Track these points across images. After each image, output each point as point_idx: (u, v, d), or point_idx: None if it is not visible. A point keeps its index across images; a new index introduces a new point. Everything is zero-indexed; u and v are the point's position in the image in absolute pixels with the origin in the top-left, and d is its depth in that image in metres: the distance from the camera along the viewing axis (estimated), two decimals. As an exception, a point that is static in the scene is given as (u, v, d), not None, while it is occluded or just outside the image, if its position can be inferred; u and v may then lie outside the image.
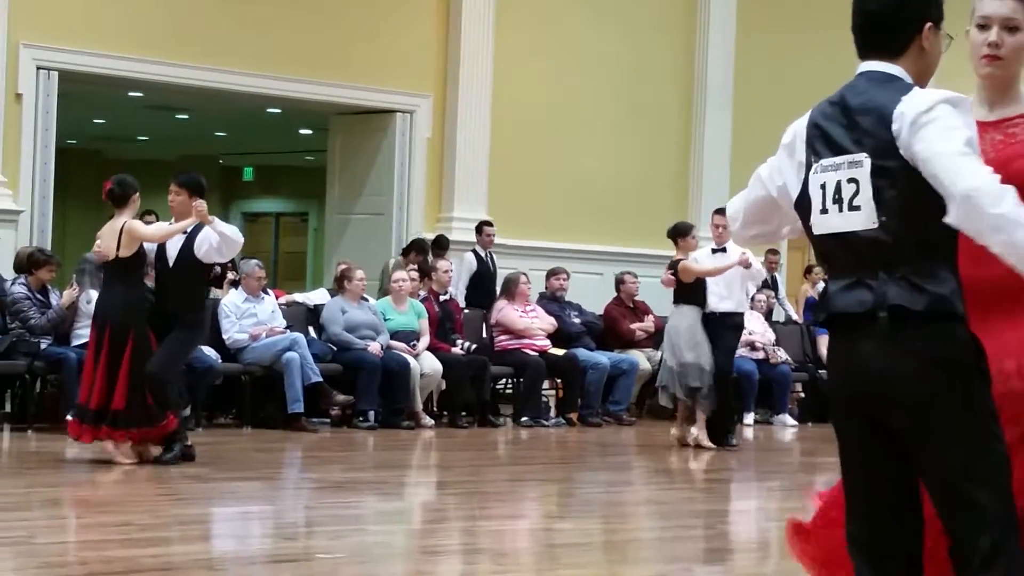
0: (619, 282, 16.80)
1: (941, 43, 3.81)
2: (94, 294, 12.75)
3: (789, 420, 16.80)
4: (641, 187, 18.77)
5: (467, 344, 15.20)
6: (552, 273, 16.44)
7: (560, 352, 15.48)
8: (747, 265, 13.08)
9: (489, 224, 16.72)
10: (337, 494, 9.68)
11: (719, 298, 13.29)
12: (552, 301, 16.16)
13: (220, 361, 13.52)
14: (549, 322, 15.64)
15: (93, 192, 26.47)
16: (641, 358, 16.24)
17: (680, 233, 13.58)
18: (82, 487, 9.83)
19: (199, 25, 15.61)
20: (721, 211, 12.75)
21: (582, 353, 15.62)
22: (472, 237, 16.99)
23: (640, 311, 16.80)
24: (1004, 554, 3.56)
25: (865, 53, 3.82)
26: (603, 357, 15.68)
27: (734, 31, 19.43)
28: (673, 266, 13.31)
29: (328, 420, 14.04)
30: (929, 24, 3.78)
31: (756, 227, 4.14)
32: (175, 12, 15.50)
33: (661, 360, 13.87)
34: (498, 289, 16.03)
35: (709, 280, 13.26)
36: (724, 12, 19.35)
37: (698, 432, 13.12)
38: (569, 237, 18.05)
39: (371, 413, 13.96)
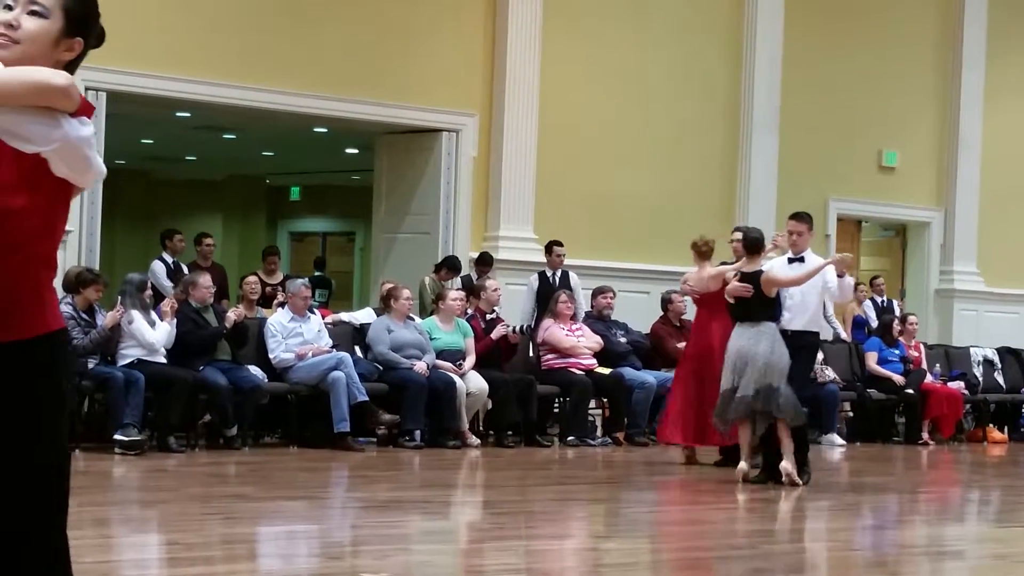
0: (666, 301, 16.73)
1: None
2: (137, 315, 12.82)
3: (837, 439, 16.70)
4: (688, 206, 18.72)
5: (515, 327, 15.26)
6: (599, 292, 16.37)
7: (606, 371, 15.43)
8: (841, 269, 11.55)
9: (559, 244, 16.58)
10: (383, 513, 9.67)
11: (792, 315, 11.99)
12: (598, 320, 16.11)
13: (266, 380, 13.54)
14: (595, 341, 15.58)
15: (141, 211, 26.87)
16: (688, 377, 16.18)
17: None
18: (129, 506, 9.86)
19: (246, 45, 15.68)
20: (797, 216, 12.17)
21: (628, 372, 15.56)
22: (519, 256, 17.00)
23: (687, 330, 16.73)
24: None
25: None
26: (650, 376, 15.62)
27: (781, 51, 19.39)
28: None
29: (374, 439, 14.04)
30: None
31: None
32: (222, 33, 15.58)
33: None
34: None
35: (784, 294, 11.95)
36: (771, 32, 19.31)
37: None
38: (616, 256, 18.01)
39: (417, 432, 13.94)
